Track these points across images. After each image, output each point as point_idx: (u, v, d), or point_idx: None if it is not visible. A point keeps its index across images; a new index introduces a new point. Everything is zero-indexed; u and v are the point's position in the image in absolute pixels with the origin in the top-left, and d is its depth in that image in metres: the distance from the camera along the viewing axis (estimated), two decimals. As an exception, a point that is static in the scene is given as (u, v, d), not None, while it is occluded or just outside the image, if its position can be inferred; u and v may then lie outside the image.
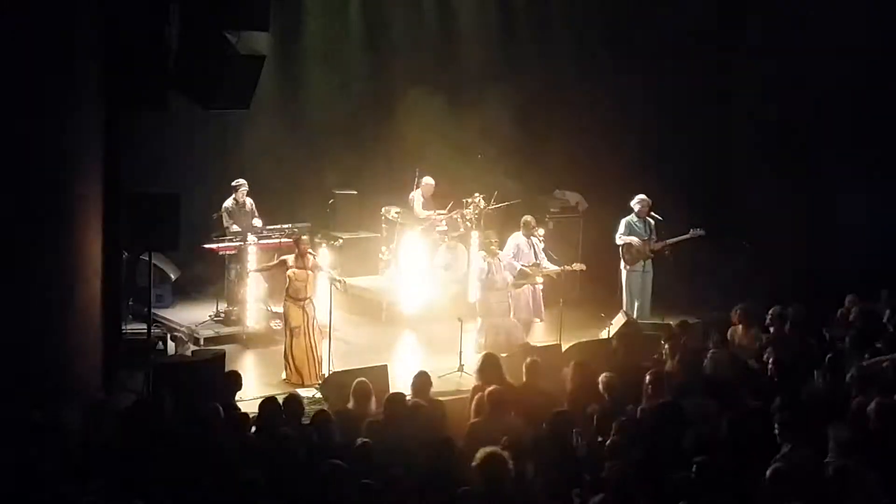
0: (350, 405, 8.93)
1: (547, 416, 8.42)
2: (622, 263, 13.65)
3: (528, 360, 9.60)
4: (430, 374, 9.37)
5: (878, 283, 12.30)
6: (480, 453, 6.84)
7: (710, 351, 9.97)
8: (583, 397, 9.15)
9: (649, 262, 13.60)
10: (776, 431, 7.70)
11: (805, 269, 13.85)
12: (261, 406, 8.68)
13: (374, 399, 8.92)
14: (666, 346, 10.37)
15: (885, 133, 14.07)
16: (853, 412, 8.36)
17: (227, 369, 10.60)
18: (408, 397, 8.93)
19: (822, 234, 14.22)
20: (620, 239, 13.56)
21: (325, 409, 8.65)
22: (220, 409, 8.28)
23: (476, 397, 8.89)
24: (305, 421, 8.76)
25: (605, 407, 8.69)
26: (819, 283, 13.05)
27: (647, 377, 9.04)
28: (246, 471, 6.95)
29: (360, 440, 7.62)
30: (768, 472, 6.99)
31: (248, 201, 13.76)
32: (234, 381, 9.47)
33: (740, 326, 11.18)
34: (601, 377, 9.13)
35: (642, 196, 13.57)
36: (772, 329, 11.04)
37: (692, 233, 13.46)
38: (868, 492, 6.96)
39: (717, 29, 15.26)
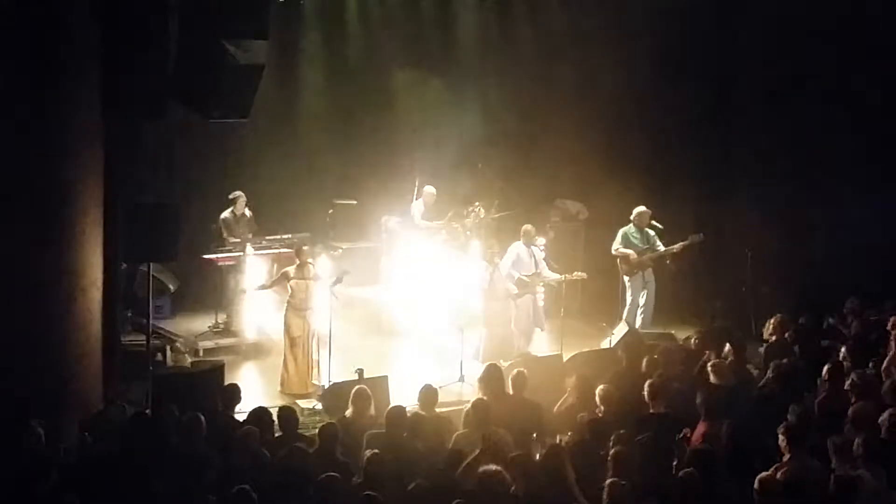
0: (349, 413, 8.88)
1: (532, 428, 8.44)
2: (621, 274, 13.64)
3: (514, 372, 9.57)
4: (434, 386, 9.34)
5: (883, 290, 12.28)
6: (481, 471, 6.81)
7: (711, 362, 9.91)
8: (585, 410, 9.09)
9: (650, 271, 13.56)
10: (779, 441, 7.66)
11: (807, 277, 13.81)
12: (249, 417, 8.65)
13: (373, 405, 8.88)
14: (655, 356, 10.31)
15: (888, 136, 14.06)
16: (851, 420, 8.32)
17: (226, 380, 10.56)
18: (410, 409, 8.89)
19: (826, 242, 14.18)
20: (616, 251, 13.54)
21: (334, 422, 8.55)
22: (202, 418, 8.21)
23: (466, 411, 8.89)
24: (303, 431, 8.74)
25: (603, 419, 8.64)
26: (822, 291, 12.98)
27: (646, 388, 9.00)
28: (239, 483, 6.88)
29: (370, 452, 7.56)
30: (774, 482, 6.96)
31: (247, 213, 13.72)
32: (234, 393, 9.41)
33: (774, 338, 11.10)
34: (598, 389, 9.07)
35: (641, 207, 13.54)
36: (774, 338, 11.00)
37: (691, 239, 13.42)
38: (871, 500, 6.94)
39: (716, 33, 15.23)
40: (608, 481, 7.04)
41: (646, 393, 8.93)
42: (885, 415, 8.05)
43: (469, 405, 8.88)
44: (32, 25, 9.05)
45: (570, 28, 15.83)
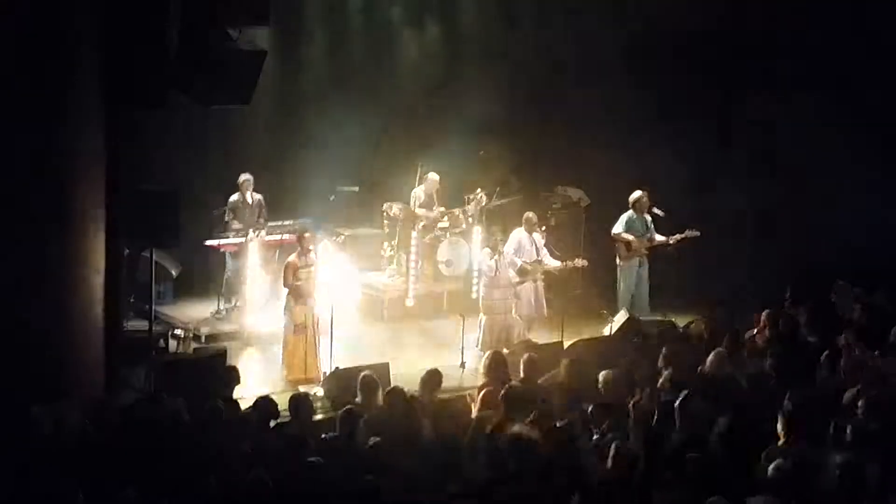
0: (357, 399, 8.92)
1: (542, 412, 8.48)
2: (617, 258, 13.67)
3: (526, 356, 9.63)
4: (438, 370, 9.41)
5: (878, 280, 12.30)
6: (509, 434, 6.87)
7: (715, 350, 9.93)
8: (577, 394, 9.14)
9: (644, 257, 13.60)
10: (778, 429, 7.69)
11: (804, 267, 13.83)
12: (256, 404, 8.71)
13: (381, 393, 8.92)
14: (664, 348, 10.33)
15: (885, 131, 14.07)
16: (845, 406, 8.35)
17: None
18: (409, 391, 8.94)
19: (822, 231, 14.21)
20: (616, 234, 13.56)
21: (353, 408, 8.58)
22: (223, 407, 8.27)
23: (484, 393, 9.01)
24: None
25: (603, 404, 8.68)
26: (819, 279, 12.99)
27: (639, 376, 9.05)
28: (252, 470, 6.92)
29: (372, 440, 7.60)
30: (769, 469, 6.99)
31: (256, 197, 13.69)
32: (232, 376, 9.43)
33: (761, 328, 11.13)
34: (600, 375, 9.11)
35: (640, 192, 13.56)
36: (772, 326, 11.01)
37: (688, 233, 13.46)
38: (870, 487, 6.97)
39: (716, 28, 15.21)
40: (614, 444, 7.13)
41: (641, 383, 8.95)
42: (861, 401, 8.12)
43: (486, 357, 9.31)
44: (33, 14, 9.05)
45: (572, 17, 15.81)
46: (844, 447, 7.42)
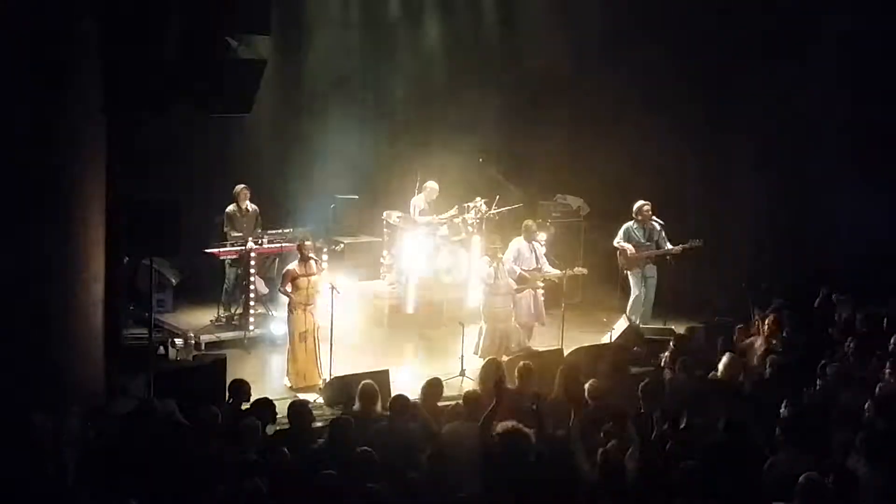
0: (356, 407, 8.91)
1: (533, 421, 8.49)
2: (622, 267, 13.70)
3: (521, 364, 9.62)
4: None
5: (878, 284, 12.32)
6: (501, 427, 6.91)
7: (729, 355, 9.93)
8: (571, 402, 9.12)
9: (651, 267, 13.59)
10: (777, 435, 7.69)
11: (806, 272, 13.85)
12: (253, 406, 8.70)
13: (380, 401, 8.92)
14: (667, 352, 10.33)
15: (883, 131, 14.10)
16: (841, 412, 8.37)
17: (228, 374, 10.60)
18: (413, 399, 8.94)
19: (822, 236, 14.23)
20: (616, 244, 13.57)
21: (347, 416, 8.58)
22: (219, 414, 8.26)
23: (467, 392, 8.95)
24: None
25: (590, 413, 8.67)
26: (821, 286, 13.02)
27: (644, 383, 9.01)
28: (249, 479, 6.91)
29: (359, 449, 7.59)
30: (769, 476, 7.00)
31: (252, 207, 13.70)
32: (243, 390, 9.41)
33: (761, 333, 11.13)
34: (587, 384, 9.10)
35: (642, 202, 13.57)
36: (772, 332, 11.03)
37: (690, 243, 13.44)
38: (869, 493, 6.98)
39: (716, 30, 15.25)
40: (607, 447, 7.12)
41: (640, 392, 8.93)
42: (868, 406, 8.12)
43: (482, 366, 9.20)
44: (33, 22, 9.07)
45: (570, 25, 15.85)
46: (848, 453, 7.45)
